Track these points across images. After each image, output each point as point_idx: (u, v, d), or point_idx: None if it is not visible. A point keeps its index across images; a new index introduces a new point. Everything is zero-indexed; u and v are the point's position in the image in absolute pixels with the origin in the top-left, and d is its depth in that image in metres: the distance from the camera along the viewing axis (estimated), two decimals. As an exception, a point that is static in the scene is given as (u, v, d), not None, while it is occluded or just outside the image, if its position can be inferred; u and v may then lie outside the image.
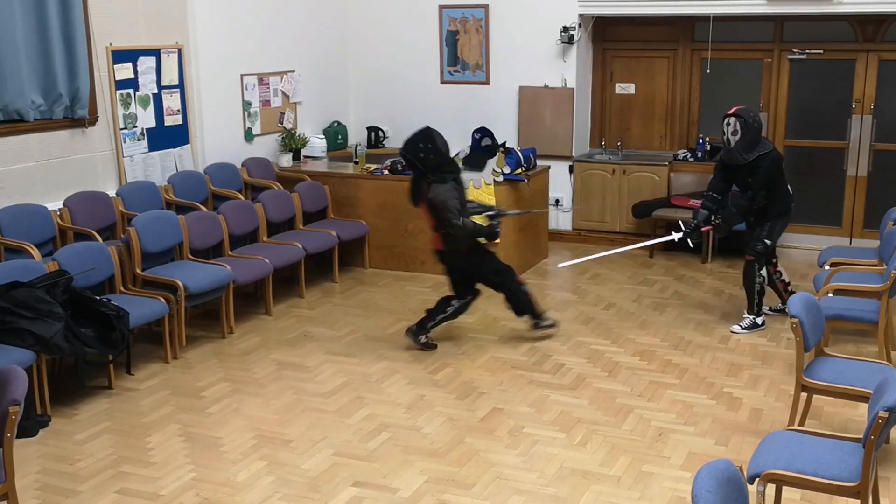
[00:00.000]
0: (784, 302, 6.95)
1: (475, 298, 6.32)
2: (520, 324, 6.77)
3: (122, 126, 7.00)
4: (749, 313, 6.58)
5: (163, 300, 5.88)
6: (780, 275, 6.82)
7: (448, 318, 6.26)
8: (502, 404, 5.34)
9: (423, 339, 6.20)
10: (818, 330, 4.57)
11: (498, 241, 6.37)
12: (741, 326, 6.56)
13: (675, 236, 6.75)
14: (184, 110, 7.56)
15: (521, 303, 6.30)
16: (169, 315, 5.95)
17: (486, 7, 9.07)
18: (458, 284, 6.25)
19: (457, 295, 6.24)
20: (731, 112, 6.29)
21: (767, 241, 6.45)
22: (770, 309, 6.92)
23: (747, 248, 6.55)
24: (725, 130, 6.29)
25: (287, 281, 7.58)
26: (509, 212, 6.89)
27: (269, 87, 8.52)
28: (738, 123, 6.22)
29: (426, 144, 5.83)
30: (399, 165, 8.23)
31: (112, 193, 6.83)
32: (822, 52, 8.64)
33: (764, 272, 6.53)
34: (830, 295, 5.80)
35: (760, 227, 6.50)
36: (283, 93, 8.71)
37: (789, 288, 6.85)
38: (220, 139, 7.96)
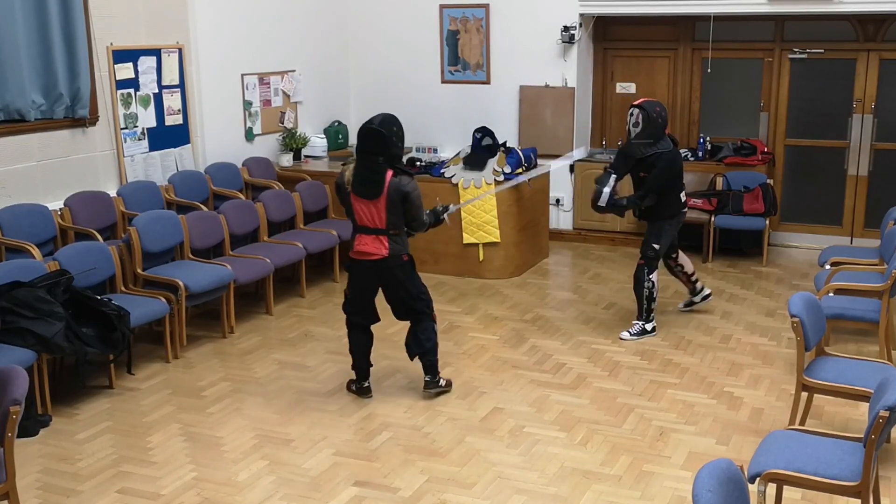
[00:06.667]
0: (692, 293, 6.86)
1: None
2: (521, 323, 6.78)
3: (122, 126, 7.01)
4: (638, 319, 6.41)
5: (163, 300, 5.88)
6: (682, 267, 6.69)
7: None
8: (503, 404, 5.34)
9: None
10: (819, 329, 4.57)
11: None
12: (630, 333, 6.39)
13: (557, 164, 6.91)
14: (184, 110, 7.56)
15: None
16: (170, 315, 5.95)
17: (486, 6, 9.06)
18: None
19: None
20: (636, 103, 6.22)
21: (656, 246, 6.29)
22: (683, 305, 6.91)
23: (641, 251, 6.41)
24: (628, 121, 6.20)
25: (288, 280, 7.58)
26: None
27: (269, 87, 8.52)
28: (640, 115, 6.12)
29: (398, 128, 5.05)
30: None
31: (113, 193, 6.83)
32: (822, 51, 8.63)
33: (654, 277, 6.30)
34: (831, 294, 5.80)
35: (649, 230, 6.37)
36: (284, 92, 8.71)
37: (693, 278, 6.76)
38: (220, 139, 7.96)
